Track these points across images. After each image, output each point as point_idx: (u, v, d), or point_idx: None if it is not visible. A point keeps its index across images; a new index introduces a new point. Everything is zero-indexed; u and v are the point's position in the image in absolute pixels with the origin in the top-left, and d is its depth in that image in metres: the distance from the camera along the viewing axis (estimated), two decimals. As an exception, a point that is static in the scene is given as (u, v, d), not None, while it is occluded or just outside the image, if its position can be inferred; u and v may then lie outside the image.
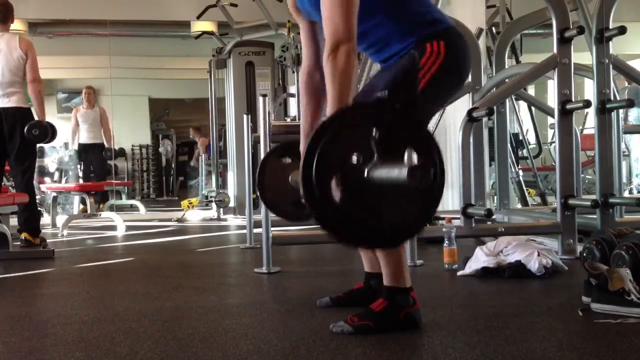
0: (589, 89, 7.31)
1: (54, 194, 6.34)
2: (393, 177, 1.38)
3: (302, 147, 2.17)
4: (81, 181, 7.78)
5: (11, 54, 4.22)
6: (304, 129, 2.18)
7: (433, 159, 1.53)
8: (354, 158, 1.51)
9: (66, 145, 9.22)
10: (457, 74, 2.03)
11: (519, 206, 5.20)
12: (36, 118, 4.31)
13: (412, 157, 1.38)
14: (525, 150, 5.88)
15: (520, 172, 5.37)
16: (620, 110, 4.02)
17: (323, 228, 1.53)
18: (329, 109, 1.81)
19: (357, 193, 1.51)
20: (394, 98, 1.91)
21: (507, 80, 4.18)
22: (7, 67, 4.22)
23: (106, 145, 8.05)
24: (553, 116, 3.54)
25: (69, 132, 8.11)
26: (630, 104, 3.53)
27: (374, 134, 1.51)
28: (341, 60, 1.78)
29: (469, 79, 4.38)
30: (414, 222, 1.55)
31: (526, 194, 5.30)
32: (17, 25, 7.20)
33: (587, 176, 7.17)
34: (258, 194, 2.68)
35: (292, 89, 6.59)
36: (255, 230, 3.85)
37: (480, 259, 2.87)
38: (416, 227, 1.56)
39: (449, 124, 5.21)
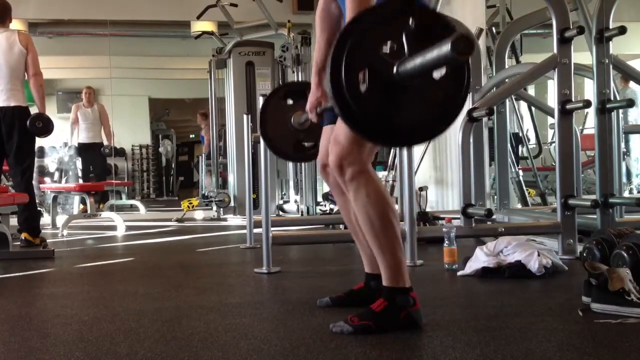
0: (589, 89, 7.31)
1: (54, 194, 6.34)
2: (433, 55, 1.35)
3: (314, 80, 2.16)
4: (80, 181, 7.78)
5: (11, 50, 4.22)
6: (316, 61, 2.18)
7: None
8: (385, 50, 1.49)
9: (66, 144, 9.22)
10: None
11: (519, 206, 5.20)
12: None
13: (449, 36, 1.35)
14: (525, 150, 5.88)
15: (520, 172, 5.37)
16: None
17: (348, 122, 1.52)
18: (349, 14, 1.77)
19: (385, 87, 1.50)
20: None
21: (507, 80, 4.18)
22: (7, 65, 4.21)
23: (105, 143, 8.05)
24: (553, 116, 3.54)
25: (69, 128, 8.11)
26: (630, 104, 3.53)
27: (405, 28, 1.50)
28: None
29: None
30: (437, 121, 1.53)
31: (526, 194, 5.30)
32: (17, 25, 7.17)
33: (587, 176, 7.17)
34: (259, 133, 2.68)
35: (292, 89, 6.57)
36: (255, 230, 3.86)
37: (480, 259, 2.87)
38: (439, 128, 1.54)
39: (449, 124, 5.22)
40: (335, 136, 1.95)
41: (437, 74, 1.52)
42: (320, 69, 2.16)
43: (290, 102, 2.58)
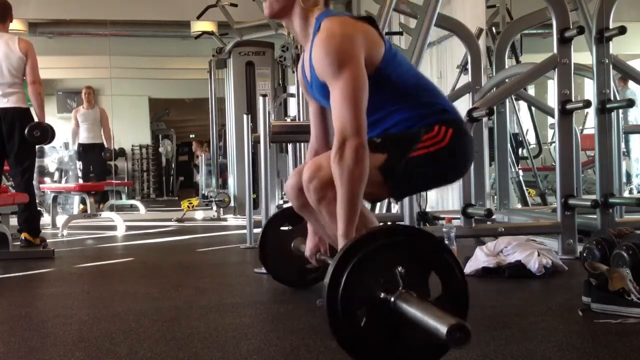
0: (589, 89, 7.31)
1: (54, 194, 6.34)
2: (429, 324, 1.33)
3: (310, 228, 2.21)
4: (81, 181, 7.78)
5: (12, 54, 4.22)
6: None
7: (464, 295, 1.52)
8: (379, 290, 1.49)
9: (66, 145, 9.22)
10: (454, 167, 2.01)
11: (519, 206, 5.20)
12: (35, 119, 4.31)
13: (447, 314, 1.33)
14: (525, 150, 5.88)
15: (520, 172, 5.37)
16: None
17: (348, 353, 1.52)
18: (339, 210, 1.77)
19: (383, 323, 1.49)
20: (384, 146, 1.89)
21: (507, 80, 4.18)
22: (7, 68, 4.21)
23: (106, 145, 8.06)
24: (553, 116, 3.54)
25: (69, 132, 8.13)
26: (630, 103, 3.53)
27: (397, 261, 1.49)
28: (348, 158, 1.74)
29: (469, 79, 4.39)
30: (435, 351, 1.53)
31: (526, 194, 5.30)
32: (17, 25, 7.20)
33: (587, 176, 7.17)
34: (260, 262, 2.69)
35: (292, 89, 6.58)
36: (255, 230, 3.85)
37: (480, 259, 2.87)
38: (438, 354, 1.54)
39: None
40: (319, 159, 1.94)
41: None
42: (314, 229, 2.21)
43: (288, 227, 2.60)
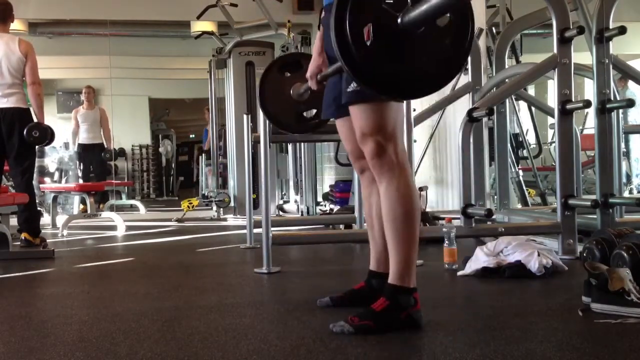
0: (589, 89, 7.31)
1: (54, 194, 6.34)
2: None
3: (315, 47, 2.16)
4: (81, 181, 7.79)
5: (12, 54, 4.23)
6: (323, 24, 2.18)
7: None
8: (386, 9, 1.49)
9: (66, 145, 9.22)
10: None
11: (519, 206, 5.20)
12: (35, 119, 4.31)
13: None
14: (525, 150, 5.88)
15: (520, 172, 5.37)
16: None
17: (355, 77, 1.51)
18: None
19: (390, 38, 1.49)
20: None
21: (507, 80, 4.18)
22: (7, 68, 4.22)
23: (106, 145, 8.06)
24: (553, 116, 3.54)
25: (70, 133, 8.13)
26: (630, 103, 3.53)
27: None
28: None
29: (469, 79, 4.39)
30: (442, 70, 1.53)
31: (526, 194, 5.30)
32: (17, 25, 7.17)
33: (587, 176, 7.17)
34: (260, 107, 2.67)
35: (292, 89, 6.57)
36: (255, 230, 3.86)
37: (480, 259, 2.87)
38: (444, 77, 1.54)
39: (449, 124, 5.22)
40: (361, 131, 1.94)
41: (441, 22, 1.52)
42: (322, 35, 2.17)
43: (287, 74, 2.58)
